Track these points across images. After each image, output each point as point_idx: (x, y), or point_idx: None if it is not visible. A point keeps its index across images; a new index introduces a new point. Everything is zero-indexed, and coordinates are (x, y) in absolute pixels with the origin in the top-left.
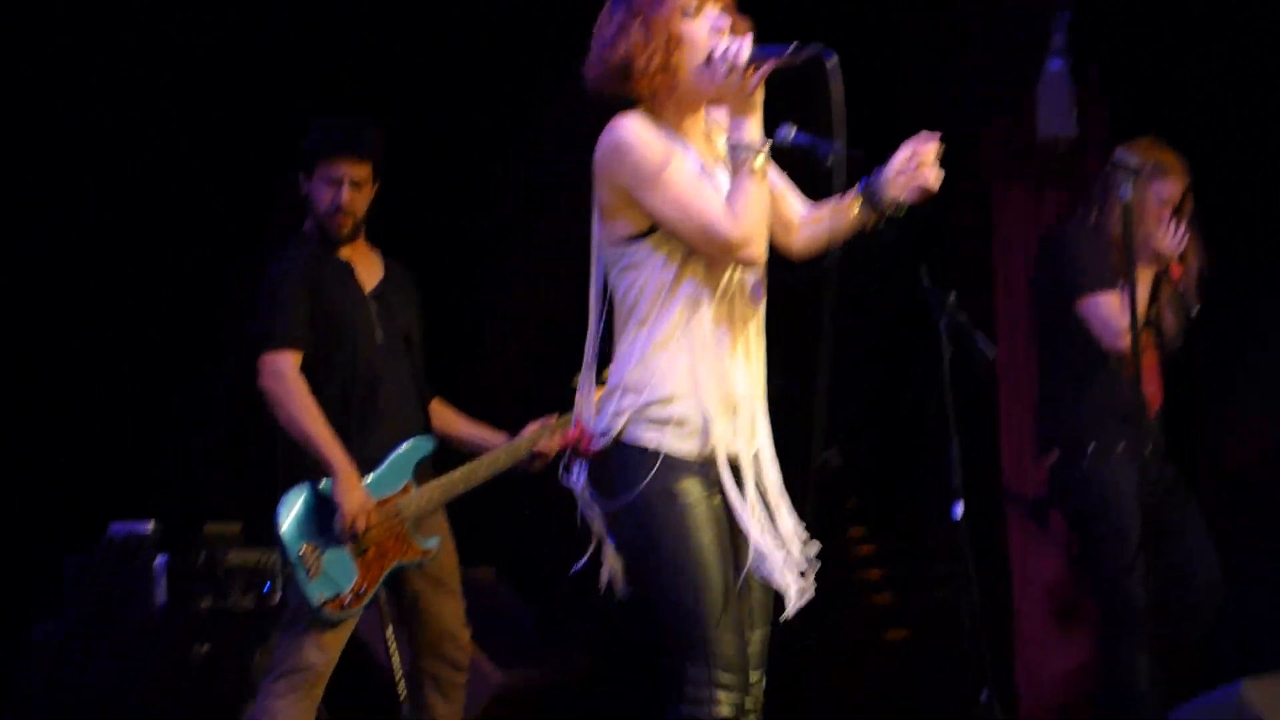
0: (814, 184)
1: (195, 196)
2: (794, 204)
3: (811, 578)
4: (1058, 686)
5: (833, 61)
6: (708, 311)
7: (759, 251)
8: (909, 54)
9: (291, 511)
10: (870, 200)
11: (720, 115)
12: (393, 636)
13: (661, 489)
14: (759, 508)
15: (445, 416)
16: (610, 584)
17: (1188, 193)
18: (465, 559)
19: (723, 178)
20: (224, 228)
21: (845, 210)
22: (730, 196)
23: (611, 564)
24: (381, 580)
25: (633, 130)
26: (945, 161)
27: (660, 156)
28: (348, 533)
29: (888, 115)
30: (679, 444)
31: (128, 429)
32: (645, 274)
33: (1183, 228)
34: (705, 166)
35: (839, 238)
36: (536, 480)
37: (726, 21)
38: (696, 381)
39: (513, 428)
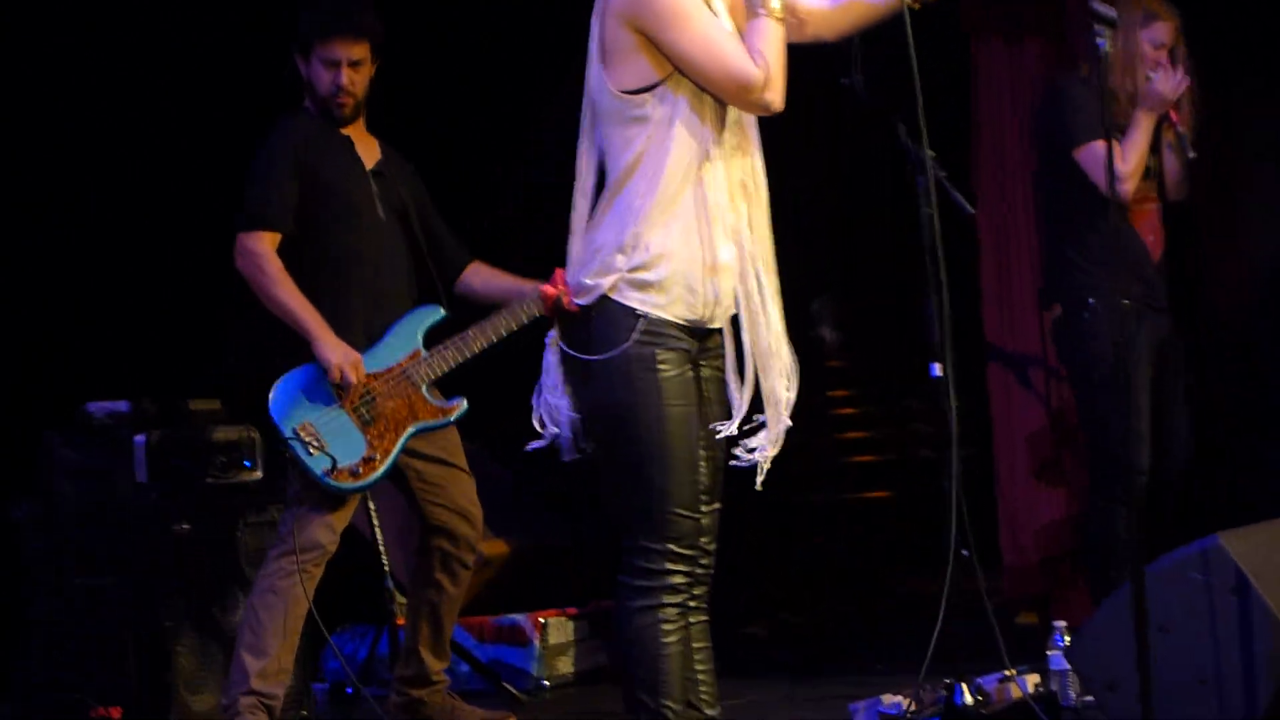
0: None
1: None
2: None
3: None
4: (1039, 541)
5: None
6: (707, 175)
7: (778, 95)
8: None
9: (285, 393)
10: None
11: None
12: (382, 538)
13: (640, 354)
14: (750, 372)
15: (485, 273)
16: (575, 443)
17: (1179, 34)
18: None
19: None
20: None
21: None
22: (750, 39)
23: (573, 423)
24: (398, 446)
25: None
26: (924, 13)
27: None
28: (336, 383)
29: None
30: (665, 309)
31: (106, 307)
32: (647, 129)
33: (1180, 71)
34: (723, 10)
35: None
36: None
37: None
38: (690, 247)
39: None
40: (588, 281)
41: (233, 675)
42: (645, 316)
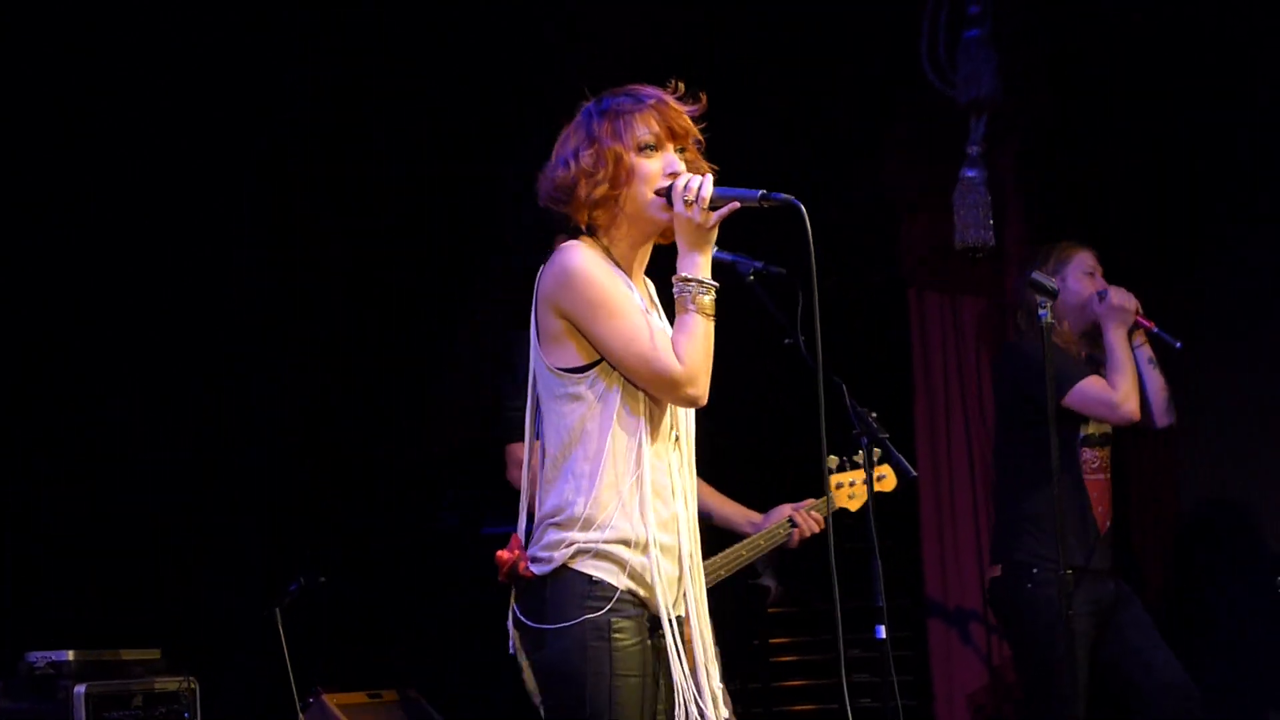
0: (738, 297)
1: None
2: None
3: None
4: None
5: (803, 212)
6: (649, 451)
7: (702, 391)
8: (830, 148)
9: None
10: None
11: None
12: None
13: (595, 621)
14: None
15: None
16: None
17: (1097, 258)
18: (383, 681)
19: (655, 321)
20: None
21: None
22: (677, 334)
23: (529, 685)
24: None
25: (581, 258)
26: (862, 263)
27: (608, 288)
28: None
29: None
30: (618, 577)
31: (45, 557)
32: (583, 408)
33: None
34: (645, 305)
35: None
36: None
37: (682, 165)
38: (646, 523)
39: None
40: (542, 553)
41: None
42: (601, 583)
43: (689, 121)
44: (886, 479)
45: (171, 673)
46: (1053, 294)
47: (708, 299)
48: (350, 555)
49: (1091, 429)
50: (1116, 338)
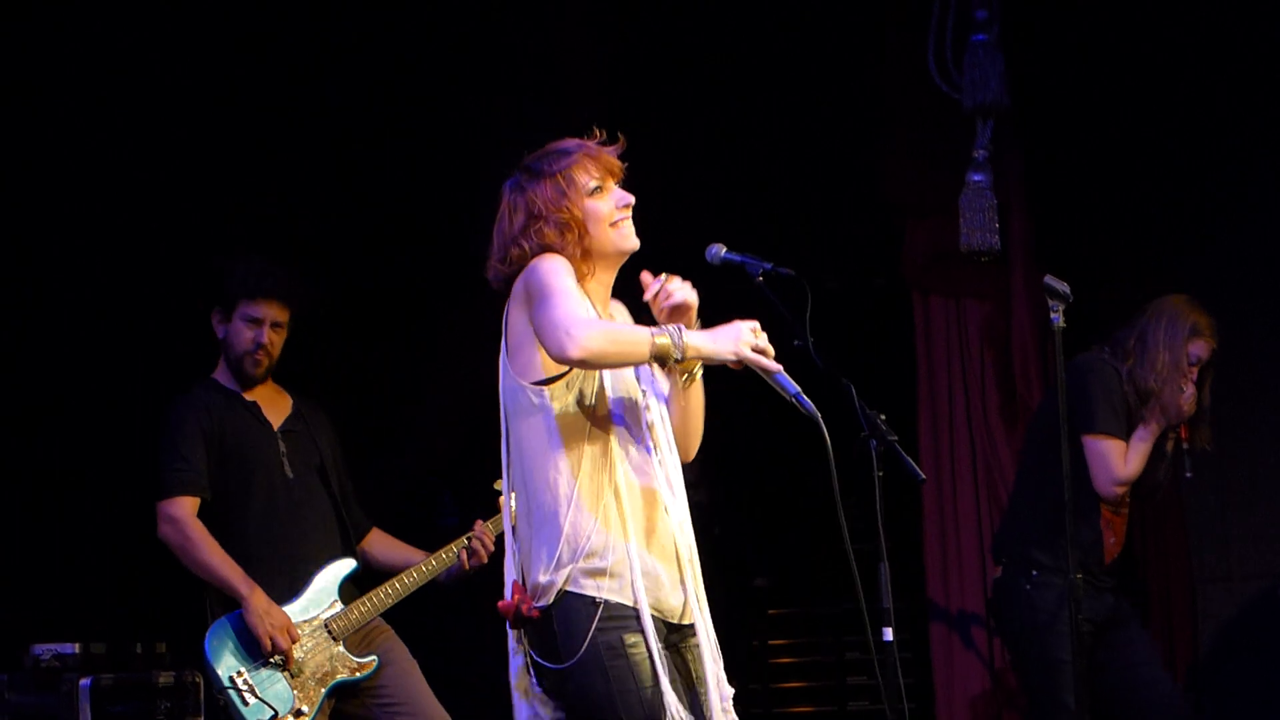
0: (747, 298)
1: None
2: None
3: None
4: None
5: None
6: (624, 458)
7: (575, 347)
8: (836, 152)
9: (219, 640)
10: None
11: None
12: None
13: (607, 641)
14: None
15: (381, 543)
16: None
17: (1213, 359)
18: None
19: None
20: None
21: (678, 388)
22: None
23: None
24: (321, 699)
25: (547, 258)
26: (866, 270)
27: (562, 276)
28: (268, 652)
29: (813, 216)
30: (621, 593)
31: (51, 550)
32: (555, 419)
33: (1202, 392)
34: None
35: (690, 411)
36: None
37: (629, 198)
38: (630, 534)
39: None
40: (543, 581)
41: None
42: (605, 602)
43: (615, 159)
44: None
45: (177, 666)
46: (1065, 299)
47: (663, 341)
48: None
49: None
50: (1155, 427)
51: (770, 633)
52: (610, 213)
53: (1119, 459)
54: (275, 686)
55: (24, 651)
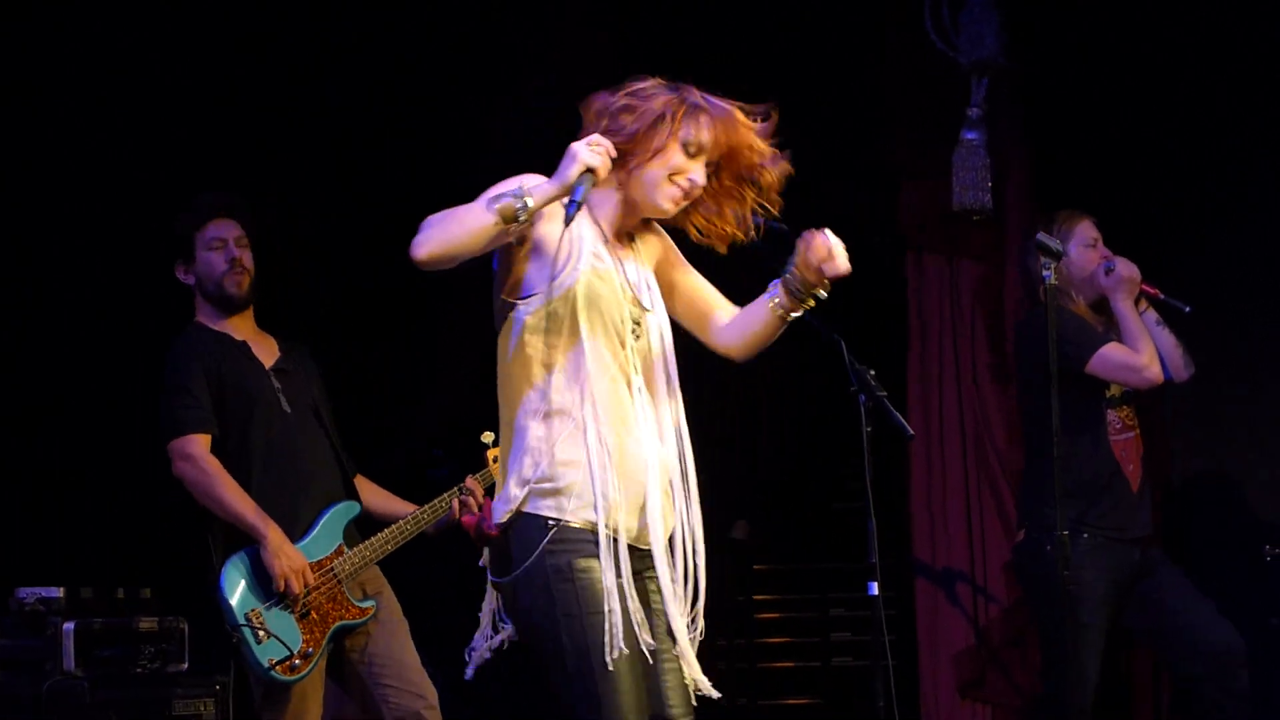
0: (740, 255)
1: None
2: (714, 303)
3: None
4: None
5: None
6: (604, 382)
7: (419, 243)
8: (831, 109)
9: (233, 577)
10: (792, 293)
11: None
12: None
13: (555, 564)
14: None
15: (367, 490)
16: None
17: (1096, 224)
18: None
19: (631, 269)
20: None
21: (767, 310)
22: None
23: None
24: (325, 641)
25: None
26: (860, 229)
27: (494, 187)
28: (287, 594)
29: (809, 179)
30: (576, 515)
31: (36, 495)
32: (529, 335)
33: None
34: (607, 255)
35: (768, 336)
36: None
37: (698, 185)
38: (593, 452)
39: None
40: (503, 502)
41: None
42: (559, 524)
43: (747, 138)
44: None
45: (161, 611)
46: (1057, 255)
47: (504, 202)
48: None
49: (1112, 390)
50: (1126, 307)
51: (755, 588)
52: (675, 176)
53: (1127, 351)
54: (288, 627)
55: (8, 595)
